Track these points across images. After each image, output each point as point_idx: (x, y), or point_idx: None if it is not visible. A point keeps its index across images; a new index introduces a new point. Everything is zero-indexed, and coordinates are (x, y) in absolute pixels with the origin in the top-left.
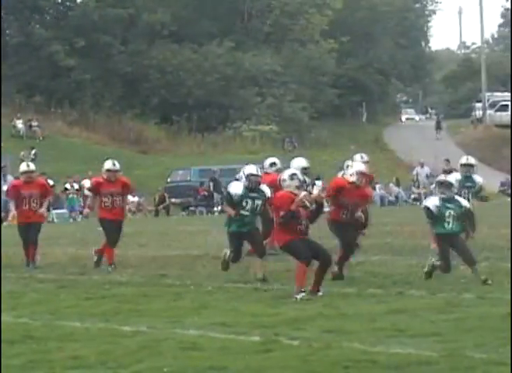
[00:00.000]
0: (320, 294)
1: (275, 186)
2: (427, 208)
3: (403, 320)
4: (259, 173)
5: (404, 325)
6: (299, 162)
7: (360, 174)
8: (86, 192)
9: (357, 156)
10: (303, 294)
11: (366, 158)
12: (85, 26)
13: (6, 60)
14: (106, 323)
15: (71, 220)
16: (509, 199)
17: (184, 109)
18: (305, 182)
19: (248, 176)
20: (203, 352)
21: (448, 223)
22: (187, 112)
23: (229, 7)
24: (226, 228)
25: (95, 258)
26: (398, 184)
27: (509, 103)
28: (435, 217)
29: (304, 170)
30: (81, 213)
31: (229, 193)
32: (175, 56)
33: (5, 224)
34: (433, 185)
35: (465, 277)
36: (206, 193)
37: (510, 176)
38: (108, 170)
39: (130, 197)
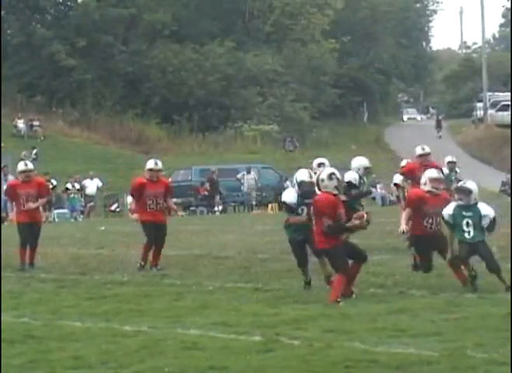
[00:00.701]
0: (353, 296)
1: None
2: (442, 217)
3: (404, 320)
4: (312, 178)
5: (405, 325)
6: (360, 161)
7: (434, 181)
8: (129, 199)
9: (418, 148)
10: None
11: (427, 149)
12: (86, 26)
13: (7, 60)
14: (107, 323)
15: (72, 220)
16: (510, 199)
17: (185, 108)
18: (360, 183)
19: (300, 183)
20: (204, 352)
21: (468, 232)
22: (188, 112)
23: (230, 7)
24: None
25: (141, 263)
26: None
27: (510, 103)
28: (451, 226)
29: (366, 170)
30: (82, 213)
31: (285, 203)
32: (176, 56)
33: (5, 224)
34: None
35: (468, 276)
36: (207, 193)
37: (510, 176)
38: (150, 169)
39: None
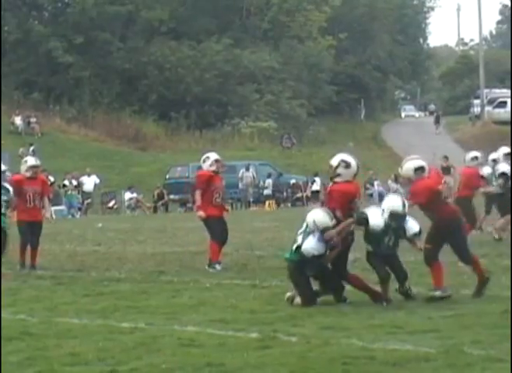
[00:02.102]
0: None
1: (472, 179)
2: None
3: (401, 317)
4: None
5: (402, 322)
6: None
7: None
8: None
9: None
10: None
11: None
12: (84, 23)
13: (4, 57)
14: (105, 320)
15: (69, 216)
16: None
17: (182, 105)
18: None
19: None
20: (201, 349)
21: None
22: (185, 109)
23: (228, 4)
24: None
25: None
26: (396, 181)
27: (507, 100)
28: (372, 236)
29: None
30: (79, 209)
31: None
32: (173, 53)
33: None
34: None
35: (465, 273)
36: None
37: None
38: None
39: (128, 194)
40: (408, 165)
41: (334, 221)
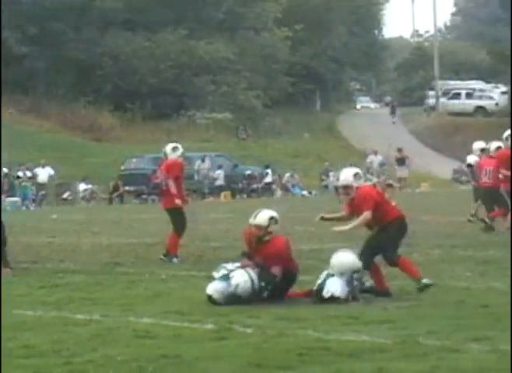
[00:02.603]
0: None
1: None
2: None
3: (356, 308)
4: None
5: (357, 313)
6: None
7: None
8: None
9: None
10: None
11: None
12: (38, 13)
13: None
14: (59, 312)
15: (23, 208)
16: (463, 187)
17: (137, 96)
18: None
19: None
20: (157, 340)
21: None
22: (140, 100)
23: None
24: None
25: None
26: None
27: (461, 91)
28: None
29: None
30: (34, 201)
31: None
32: (128, 44)
33: None
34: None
35: (419, 264)
36: (157, 181)
37: (463, 164)
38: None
39: (83, 185)
40: (347, 173)
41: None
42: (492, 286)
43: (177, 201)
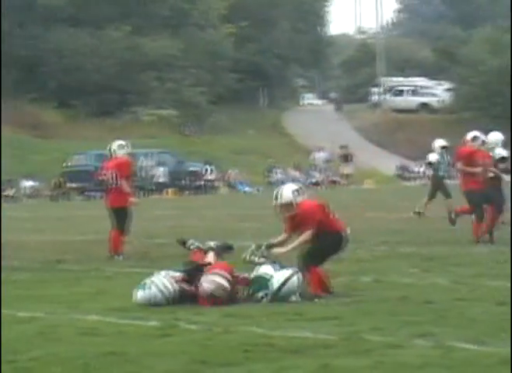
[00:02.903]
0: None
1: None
2: None
3: (301, 304)
4: None
5: (302, 310)
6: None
7: None
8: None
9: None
10: None
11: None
12: None
13: None
14: (3, 309)
15: None
16: (405, 183)
17: (81, 93)
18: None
19: None
20: (102, 337)
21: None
22: (85, 96)
23: None
24: None
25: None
26: (296, 168)
27: (405, 88)
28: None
29: None
30: None
31: None
32: (72, 40)
33: None
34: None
35: (365, 261)
36: (102, 178)
37: (405, 161)
38: None
39: (27, 182)
40: (287, 190)
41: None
42: (437, 282)
43: (132, 200)
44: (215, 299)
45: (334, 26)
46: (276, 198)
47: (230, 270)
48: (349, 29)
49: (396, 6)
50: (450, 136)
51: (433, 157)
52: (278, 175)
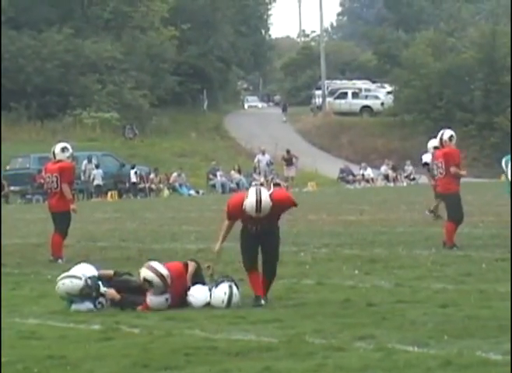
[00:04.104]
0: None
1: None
2: None
3: (243, 307)
4: None
5: (244, 312)
6: None
7: None
8: None
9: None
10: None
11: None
12: None
13: None
14: None
15: None
16: (348, 186)
17: (22, 96)
18: None
19: None
20: (42, 341)
21: None
22: (26, 99)
23: None
24: None
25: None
26: (239, 171)
27: (348, 91)
28: None
29: None
30: None
31: None
32: (13, 42)
33: None
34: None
35: (306, 263)
36: (43, 181)
37: (348, 164)
38: None
39: None
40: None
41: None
42: (378, 284)
43: (73, 206)
44: (149, 287)
45: (276, 29)
46: (257, 211)
47: (180, 270)
48: (292, 32)
49: (338, 9)
50: (392, 138)
51: (427, 157)
52: (220, 178)
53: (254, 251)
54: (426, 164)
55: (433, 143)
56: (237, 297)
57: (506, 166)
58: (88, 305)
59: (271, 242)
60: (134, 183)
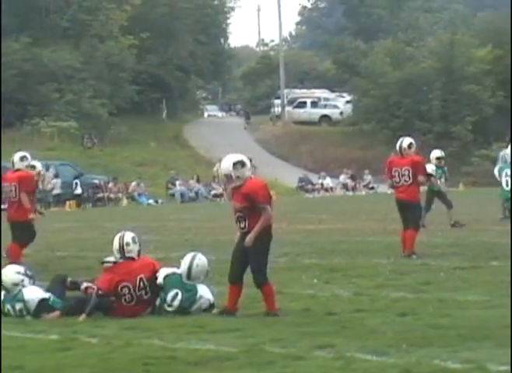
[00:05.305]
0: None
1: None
2: None
3: (203, 317)
4: None
5: (204, 322)
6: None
7: None
8: None
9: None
10: None
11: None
12: None
13: None
14: None
15: None
16: (307, 195)
17: None
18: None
19: None
20: (2, 351)
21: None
22: None
23: (27, 1)
24: None
25: None
26: (198, 180)
27: (307, 100)
28: None
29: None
30: None
31: None
32: None
33: None
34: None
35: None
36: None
37: (307, 173)
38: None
39: None
40: (227, 161)
41: None
42: (338, 293)
43: (31, 216)
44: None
45: (236, 39)
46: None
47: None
48: (251, 42)
49: (297, 19)
50: (350, 148)
51: (429, 168)
52: (179, 187)
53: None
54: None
55: (436, 153)
56: (199, 267)
57: (500, 175)
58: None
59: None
60: (78, 195)
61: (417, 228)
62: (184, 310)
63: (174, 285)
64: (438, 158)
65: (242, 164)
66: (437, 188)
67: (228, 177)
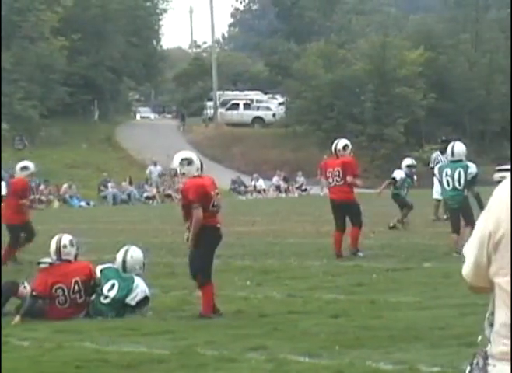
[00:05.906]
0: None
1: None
2: None
3: (135, 319)
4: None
5: (136, 324)
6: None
7: None
8: None
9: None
10: None
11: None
12: None
13: None
14: None
15: None
16: (240, 197)
17: None
18: None
19: None
20: None
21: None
22: None
23: None
24: None
25: None
26: (130, 182)
27: (239, 102)
28: None
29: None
30: None
31: None
32: None
33: None
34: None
35: None
36: None
37: (239, 175)
38: None
39: None
40: (177, 157)
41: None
42: (270, 295)
43: None
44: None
45: (168, 40)
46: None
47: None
48: (184, 43)
49: (230, 20)
50: (283, 149)
51: (398, 174)
52: (112, 189)
53: None
54: (394, 179)
55: (407, 161)
56: (133, 258)
57: (440, 174)
58: None
59: None
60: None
61: (360, 225)
62: (120, 301)
63: (111, 277)
64: (409, 166)
65: (189, 161)
66: (397, 191)
67: (175, 172)
